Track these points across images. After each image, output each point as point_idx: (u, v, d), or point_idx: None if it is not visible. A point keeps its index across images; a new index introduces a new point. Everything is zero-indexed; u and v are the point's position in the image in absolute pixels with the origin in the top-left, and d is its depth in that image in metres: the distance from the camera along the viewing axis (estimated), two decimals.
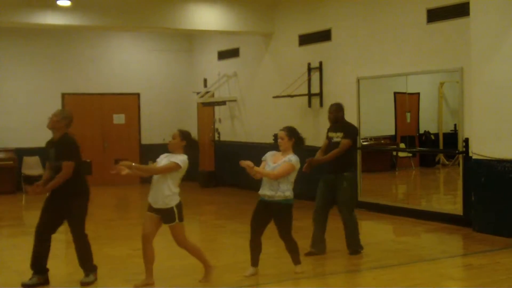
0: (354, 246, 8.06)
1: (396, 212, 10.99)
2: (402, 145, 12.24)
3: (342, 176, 7.98)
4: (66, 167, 6.67)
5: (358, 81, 11.81)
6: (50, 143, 6.91)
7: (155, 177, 6.57)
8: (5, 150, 15.24)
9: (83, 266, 6.85)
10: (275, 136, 7.20)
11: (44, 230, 6.77)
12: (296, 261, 7.12)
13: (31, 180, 14.75)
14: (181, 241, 6.70)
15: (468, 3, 9.43)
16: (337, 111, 8.18)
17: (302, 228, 8.08)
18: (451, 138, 10.75)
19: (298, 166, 6.90)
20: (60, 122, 6.81)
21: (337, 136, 8.05)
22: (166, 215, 6.57)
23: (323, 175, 8.12)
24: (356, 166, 10.52)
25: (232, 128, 15.81)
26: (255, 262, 7.00)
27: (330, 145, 8.09)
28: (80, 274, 6.89)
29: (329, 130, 8.23)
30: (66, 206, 6.72)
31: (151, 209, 6.61)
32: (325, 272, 7.35)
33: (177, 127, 6.71)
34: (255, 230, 6.96)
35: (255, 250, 7.01)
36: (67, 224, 6.83)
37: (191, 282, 6.83)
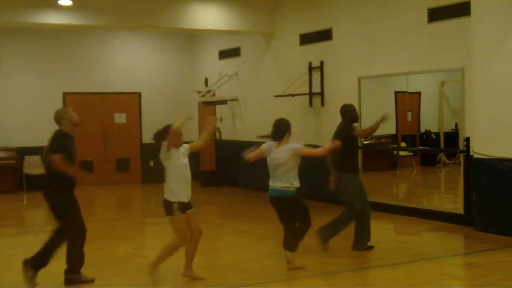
0: None
1: (397, 211, 10.99)
2: (403, 144, 12.24)
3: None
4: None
5: (359, 80, 11.82)
6: (70, 137, 6.81)
7: (188, 173, 6.65)
8: (7, 149, 15.25)
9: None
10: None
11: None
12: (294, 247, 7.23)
13: (32, 179, 14.85)
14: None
15: (469, 3, 9.44)
16: None
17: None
18: (452, 137, 10.76)
19: None
20: None
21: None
22: (190, 203, 6.77)
23: (355, 173, 8.36)
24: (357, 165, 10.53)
25: (233, 127, 15.82)
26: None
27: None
28: (84, 271, 6.90)
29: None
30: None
31: (183, 208, 6.63)
32: (328, 271, 7.36)
33: None
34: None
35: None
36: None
37: (191, 281, 6.86)
